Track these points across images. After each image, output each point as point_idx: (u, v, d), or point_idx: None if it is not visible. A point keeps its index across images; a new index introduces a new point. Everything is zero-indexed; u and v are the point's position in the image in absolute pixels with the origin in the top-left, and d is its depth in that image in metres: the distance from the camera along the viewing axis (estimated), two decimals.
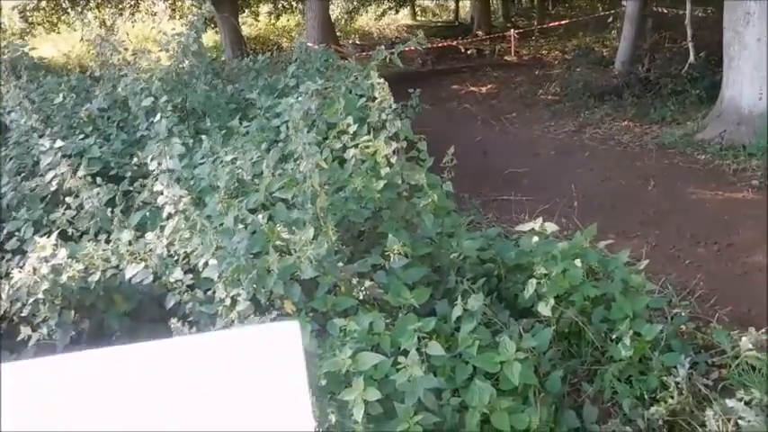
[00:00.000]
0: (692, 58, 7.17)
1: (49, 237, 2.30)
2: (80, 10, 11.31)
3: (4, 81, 3.82)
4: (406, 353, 2.06)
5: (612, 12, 11.36)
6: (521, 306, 2.60)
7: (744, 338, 2.37)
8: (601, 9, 14.12)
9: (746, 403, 2.09)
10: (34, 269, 2.14)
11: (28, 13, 11.93)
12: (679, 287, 3.26)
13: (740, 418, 2.04)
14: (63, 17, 12.46)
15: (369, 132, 2.88)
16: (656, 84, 7.47)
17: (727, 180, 4.92)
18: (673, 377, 2.24)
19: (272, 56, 6.26)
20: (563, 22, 13.29)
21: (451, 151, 2.85)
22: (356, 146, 2.87)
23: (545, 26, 13.52)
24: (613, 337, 2.40)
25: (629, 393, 2.28)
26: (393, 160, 2.78)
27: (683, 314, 2.77)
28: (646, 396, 2.27)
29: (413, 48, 3.45)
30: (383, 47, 3.26)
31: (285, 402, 0.92)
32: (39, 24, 12.51)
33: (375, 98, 2.80)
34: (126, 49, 4.28)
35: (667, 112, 6.75)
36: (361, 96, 3.26)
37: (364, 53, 9.01)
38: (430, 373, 2.08)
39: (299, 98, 3.17)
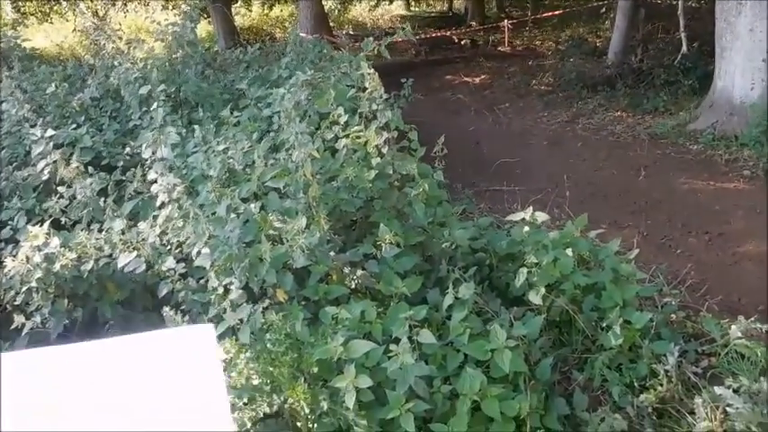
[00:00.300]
0: (684, 48, 7.17)
1: (41, 225, 2.30)
2: (72, 0, 11.17)
3: None
4: (397, 341, 2.08)
5: (606, 2, 11.33)
6: (512, 295, 2.63)
7: (733, 327, 2.40)
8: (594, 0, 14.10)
9: (735, 391, 2.12)
10: (27, 258, 2.14)
11: (20, 4, 11.76)
12: (670, 276, 3.29)
13: (728, 405, 2.08)
14: (55, 7, 12.30)
15: (360, 122, 2.88)
16: (648, 74, 7.47)
17: (719, 170, 4.96)
18: (662, 365, 2.27)
19: (263, 46, 6.22)
20: (556, 12, 13.24)
21: (442, 141, 2.85)
22: (347, 136, 2.87)
23: (539, 17, 13.46)
24: (604, 325, 2.43)
25: (619, 381, 2.31)
26: (384, 150, 2.78)
27: (673, 303, 2.80)
28: (635, 384, 2.30)
29: (405, 38, 3.43)
30: (372, 38, 3.24)
31: (203, 403, 0.92)
32: (31, 14, 12.34)
33: (365, 88, 2.79)
34: (120, 39, 4.24)
35: (660, 103, 6.77)
36: (352, 87, 3.25)
37: (357, 44, 8.96)
38: (421, 361, 2.10)
39: (291, 88, 3.16)
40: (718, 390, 2.12)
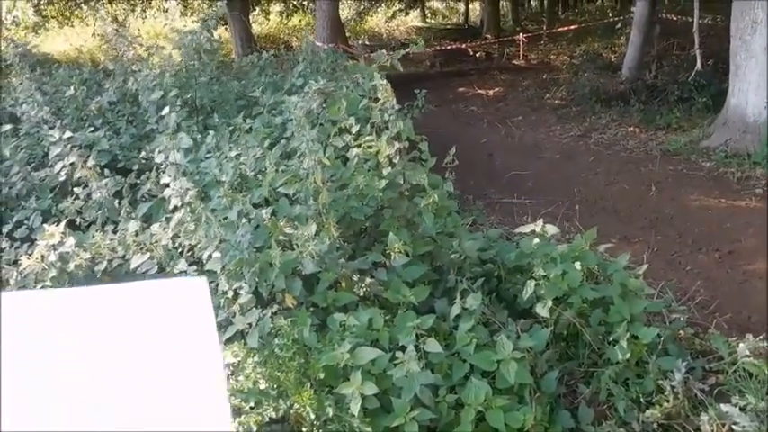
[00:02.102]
0: (699, 65, 7.15)
1: (57, 225, 2.35)
2: (93, 4, 11.42)
3: (17, 74, 3.89)
4: (404, 349, 2.09)
5: (621, 18, 11.33)
6: (519, 307, 2.63)
7: (741, 345, 2.38)
8: (610, 15, 14.12)
9: (742, 409, 2.10)
10: (42, 256, 2.19)
11: (42, 7, 12.04)
12: (679, 293, 3.27)
13: (735, 423, 2.06)
14: (76, 11, 12.57)
15: (372, 132, 2.91)
16: (662, 90, 7.45)
17: (730, 188, 4.92)
18: (669, 381, 2.25)
19: (278, 54, 6.30)
20: (572, 27, 13.27)
21: (452, 152, 2.87)
22: (359, 145, 2.91)
23: (554, 31, 13.51)
24: (611, 339, 2.42)
25: (625, 396, 2.30)
26: (395, 160, 2.81)
27: (681, 319, 2.79)
28: (641, 399, 2.28)
29: (419, 51, 3.47)
30: (384, 51, 3.29)
31: (196, 353, 0.91)
32: (53, 18, 12.62)
33: (378, 99, 2.83)
34: (141, 45, 4.34)
35: (673, 119, 6.74)
36: (364, 97, 3.29)
37: (372, 54, 9.03)
38: (427, 370, 2.11)
39: (304, 96, 3.21)
40: (724, 407, 2.10)
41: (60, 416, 0.83)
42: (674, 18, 9.45)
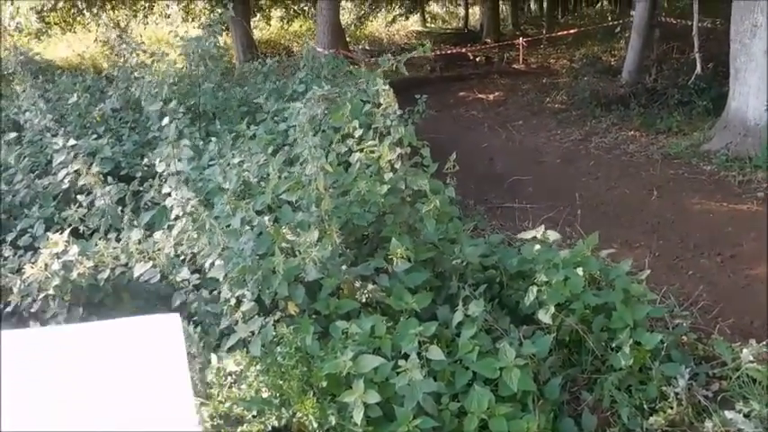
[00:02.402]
0: (699, 69, 7.16)
1: (61, 233, 2.36)
2: (96, 11, 11.46)
3: (20, 82, 3.91)
4: (406, 356, 2.09)
5: (620, 22, 11.37)
6: (522, 313, 2.63)
7: (745, 351, 2.38)
8: (609, 19, 14.15)
9: (746, 415, 2.10)
10: (46, 265, 2.19)
11: (45, 14, 12.09)
12: (681, 297, 3.27)
13: (739, 430, 2.05)
14: (78, 18, 12.62)
15: (374, 138, 2.92)
16: (662, 94, 7.46)
17: (732, 191, 4.92)
18: (672, 387, 2.25)
19: (281, 60, 6.33)
20: (571, 31, 13.31)
21: (453, 157, 2.88)
22: (361, 150, 2.92)
23: (553, 35, 13.55)
24: (613, 345, 2.41)
25: (629, 403, 2.29)
26: (397, 166, 2.81)
27: (684, 324, 2.78)
28: (645, 406, 2.28)
29: (422, 55, 3.49)
30: (389, 55, 3.30)
31: (167, 391, 0.94)
32: (55, 24, 12.67)
33: (380, 104, 2.84)
34: (144, 51, 4.36)
35: (673, 123, 6.75)
36: (367, 102, 3.30)
37: (373, 59, 9.06)
38: (430, 378, 2.11)
39: (307, 103, 3.22)
40: (728, 414, 2.10)
41: None
42: (674, 21, 9.47)
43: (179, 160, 2.68)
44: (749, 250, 3.88)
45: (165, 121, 2.99)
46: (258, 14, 14.99)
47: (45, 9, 11.85)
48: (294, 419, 1.97)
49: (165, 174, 2.70)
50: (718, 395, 2.34)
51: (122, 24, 12.51)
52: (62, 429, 0.87)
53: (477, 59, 12.92)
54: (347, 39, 13.07)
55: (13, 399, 0.88)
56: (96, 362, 0.95)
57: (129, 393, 0.94)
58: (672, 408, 2.20)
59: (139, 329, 1.02)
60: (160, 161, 2.69)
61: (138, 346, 0.98)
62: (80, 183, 2.89)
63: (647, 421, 2.21)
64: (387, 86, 2.92)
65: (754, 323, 3.07)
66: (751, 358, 2.33)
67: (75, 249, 2.24)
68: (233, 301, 2.27)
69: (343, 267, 2.42)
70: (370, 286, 2.42)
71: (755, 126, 5.44)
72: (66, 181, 2.96)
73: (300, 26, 16.55)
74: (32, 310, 2.28)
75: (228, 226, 2.44)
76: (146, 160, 3.14)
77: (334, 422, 1.94)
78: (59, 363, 0.94)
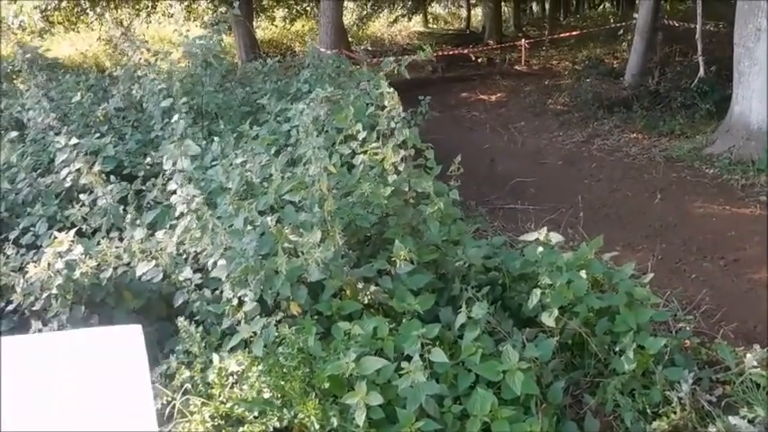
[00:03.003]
0: (702, 72, 7.15)
1: (67, 232, 2.35)
2: (99, 10, 11.47)
3: (25, 80, 3.91)
4: (409, 358, 2.08)
5: (623, 24, 11.36)
6: (525, 316, 2.62)
7: (748, 355, 2.37)
8: (612, 21, 14.15)
9: (750, 421, 2.09)
10: (49, 264, 2.19)
11: (49, 13, 12.11)
12: (684, 301, 3.26)
13: None
14: (82, 17, 12.63)
15: (378, 139, 2.91)
16: (665, 97, 7.45)
17: (735, 195, 4.91)
18: (676, 392, 2.24)
19: (283, 59, 6.32)
20: (574, 33, 13.31)
21: (458, 160, 2.87)
22: (365, 152, 2.91)
23: (556, 36, 13.54)
24: (617, 349, 2.40)
25: (632, 407, 2.28)
26: (401, 167, 2.81)
27: (687, 329, 2.77)
28: (648, 410, 2.27)
29: (422, 59, 3.48)
30: (393, 56, 3.29)
31: (128, 402, 0.95)
32: (59, 23, 12.69)
33: (384, 106, 2.83)
34: (148, 50, 4.35)
35: (676, 126, 6.74)
36: (371, 104, 3.29)
37: (375, 59, 9.07)
38: (432, 380, 2.10)
39: (310, 104, 3.21)
40: (732, 419, 2.09)
41: None
42: (677, 25, 9.47)
43: (184, 158, 2.67)
44: (752, 254, 3.87)
45: (175, 117, 2.99)
46: (261, 14, 15.00)
47: (49, 8, 11.86)
48: (296, 420, 1.96)
49: (169, 171, 2.69)
50: (721, 400, 2.33)
51: (125, 23, 12.52)
52: None
53: (479, 60, 12.93)
54: (349, 39, 13.06)
55: None
56: (58, 371, 0.96)
57: (91, 403, 0.94)
58: (675, 412, 2.19)
59: (101, 340, 1.02)
60: (167, 158, 2.68)
61: (99, 357, 0.98)
62: (82, 181, 2.89)
63: (650, 426, 2.20)
64: (391, 89, 2.91)
65: (757, 328, 3.06)
66: (755, 363, 2.32)
67: (79, 249, 2.24)
68: (235, 301, 2.26)
69: (346, 268, 2.42)
70: (373, 288, 2.42)
71: (759, 130, 5.43)
72: (68, 179, 2.96)
73: (303, 26, 16.56)
74: (34, 309, 2.28)
75: (231, 226, 2.43)
76: (148, 159, 3.13)
77: (335, 424, 1.94)
78: (19, 372, 0.93)
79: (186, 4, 13.21)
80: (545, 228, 2.93)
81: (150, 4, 13.18)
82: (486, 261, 2.85)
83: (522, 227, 4.36)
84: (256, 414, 1.98)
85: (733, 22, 5.70)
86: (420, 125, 4.30)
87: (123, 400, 0.95)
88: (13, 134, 3.45)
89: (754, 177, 5.12)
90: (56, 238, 2.30)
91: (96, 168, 2.93)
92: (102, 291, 2.35)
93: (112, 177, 3.01)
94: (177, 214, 2.46)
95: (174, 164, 2.68)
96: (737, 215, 4.53)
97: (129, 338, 0.99)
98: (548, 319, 2.42)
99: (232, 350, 2.19)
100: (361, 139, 2.96)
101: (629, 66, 8.59)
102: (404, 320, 2.37)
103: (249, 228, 2.42)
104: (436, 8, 22.26)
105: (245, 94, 4.86)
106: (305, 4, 15.25)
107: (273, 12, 15.49)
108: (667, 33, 9.04)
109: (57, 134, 3.21)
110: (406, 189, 2.81)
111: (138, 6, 13.08)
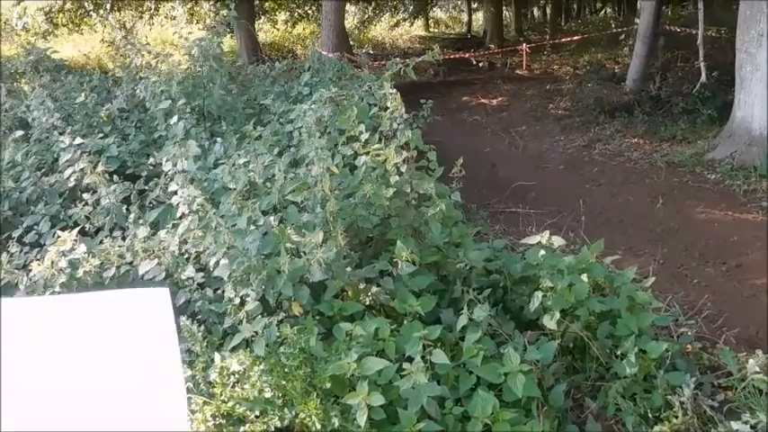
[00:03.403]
0: (703, 77, 7.17)
1: (70, 231, 2.36)
2: (102, 12, 11.52)
3: (30, 81, 3.93)
4: (410, 359, 2.08)
5: (625, 29, 11.40)
6: (526, 318, 2.62)
7: (750, 361, 2.36)
8: (613, 26, 14.19)
9: (752, 427, 2.08)
10: (52, 262, 2.19)
11: (52, 15, 12.16)
12: (686, 306, 3.25)
13: None
14: (85, 19, 12.68)
15: (380, 141, 2.92)
16: (667, 102, 7.47)
17: (737, 201, 4.91)
18: (677, 396, 2.23)
19: (289, 63, 6.35)
20: (575, 37, 13.33)
21: (460, 162, 2.88)
22: (367, 153, 2.92)
23: (557, 41, 13.58)
24: (618, 353, 2.40)
25: (633, 411, 2.28)
26: (403, 169, 2.81)
27: (689, 333, 2.77)
28: (650, 414, 2.26)
29: (428, 60, 3.49)
30: (398, 58, 3.30)
31: (156, 364, 0.93)
32: (63, 25, 12.74)
33: (387, 108, 2.84)
34: (149, 52, 4.37)
35: (678, 131, 6.75)
36: (374, 105, 3.30)
37: (377, 63, 9.09)
38: (433, 381, 2.10)
39: (313, 105, 3.22)
40: (734, 425, 2.08)
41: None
42: (679, 30, 9.49)
43: (186, 158, 2.68)
44: (754, 260, 3.86)
45: (174, 119, 3.00)
46: (263, 17, 15.05)
47: (53, 10, 11.91)
48: (297, 420, 1.96)
49: (171, 172, 2.70)
50: (723, 405, 2.32)
51: (128, 26, 12.56)
52: (49, 399, 0.86)
53: (481, 65, 12.94)
54: (351, 43, 13.09)
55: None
56: (85, 332, 0.94)
57: (119, 365, 0.92)
58: (677, 417, 2.18)
59: (129, 302, 1.00)
60: (167, 160, 2.69)
61: (127, 318, 0.96)
62: (86, 181, 2.90)
63: (651, 430, 2.19)
64: (394, 90, 2.92)
65: (759, 333, 3.06)
66: (757, 369, 2.31)
67: (83, 248, 2.24)
68: (237, 301, 2.27)
69: (348, 269, 2.42)
70: (375, 288, 2.42)
71: (760, 135, 5.44)
72: (72, 179, 2.97)
73: (304, 29, 16.62)
74: None
75: (234, 225, 2.43)
76: (151, 159, 3.14)
77: (337, 424, 1.94)
78: (46, 333, 0.92)
79: (188, 6, 13.25)
80: (547, 231, 2.93)
81: (153, 7, 13.23)
82: (487, 264, 2.85)
83: (524, 230, 4.36)
84: (258, 413, 1.98)
85: (734, 27, 5.72)
86: (422, 128, 4.31)
87: (151, 363, 0.93)
88: (18, 134, 3.47)
89: (756, 183, 5.12)
90: (59, 236, 2.30)
91: (100, 168, 2.94)
92: (104, 289, 2.35)
93: (116, 177, 3.02)
94: (179, 215, 2.47)
95: (175, 164, 2.68)
96: (739, 221, 4.53)
97: (157, 300, 0.98)
98: (549, 322, 2.42)
99: (234, 349, 2.19)
100: (363, 140, 2.96)
101: (631, 71, 8.60)
102: (405, 322, 2.37)
103: (252, 228, 2.42)
104: (438, 12, 22.33)
105: (249, 96, 4.87)
106: (306, 8, 15.30)
107: (275, 15, 15.54)
108: (669, 39, 9.06)
109: (61, 134, 3.23)
110: (408, 190, 2.81)
111: (140, 9, 13.13)
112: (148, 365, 0.94)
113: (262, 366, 2.06)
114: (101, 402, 0.90)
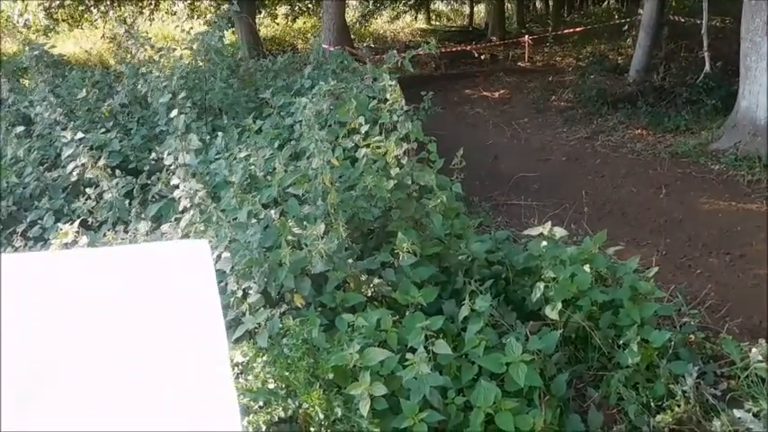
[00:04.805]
0: (707, 67, 7.11)
1: (71, 225, 2.37)
2: (103, 8, 11.51)
3: (32, 77, 3.94)
4: (412, 350, 2.09)
5: (628, 20, 11.31)
6: (528, 309, 2.62)
7: (753, 350, 2.36)
8: (616, 17, 14.08)
9: (755, 415, 2.08)
10: None
11: (53, 11, 12.15)
12: (689, 296, 3.24)
13: (748, 429, 2.04)
14: (86, 15, 12.67)
15: (380, 133, 2.92)
16: (670, 92, 7.41)
17: (741, 191, 4.88)
18: (680, 386, 2.23)
19: (290, 57, 6.34)
20: (578, 29, 13.24)
21: (460, 153, 2.87)
22: (368, 146, 2.91)
23: (559, 33, 13.48)
24: (620, 343, 2.40)
25: (635, 400, 2.28)
26: (404, 161, 2.81)
27: (692, 323, 2.76)
28: (652, 404, 2.27)
29: (427, 52, 3.49)
30: (395, 51, 3.29)
31: (198, 319, 0.88)
32: (63, 21, 12.73)
33: (386, 100, 2.84)
34: (152, 47, 4.38)
35: (681, 121, 6.71)
36: (374, 98, 3.30)
37: (378, 56, 9.06)
38: (436, 372, 2.11)
39: (313, 98, 3.22)
40: (737, 413, 2.08)
41: (54, 384, 0.80)
42: (682, 20, 9.41)
43: (187, 152, 2.68)
44: (758, 250, 3.85)
45: (174, 113, 3.00)
46: (263, 11, 15.00)
47: (53, 5, 11.90)
48: (300, 411, 1.97)
49: (173, 165, 2.70)
50: (726, 394, 2.33)
51: (129, 21, 12.54)
52: (86, 353, 0.82)
53: (483, 57, 12.88)
54: (352, 36, 13.04)
55: (23, 328, 0.83)
56: (119, 289, 0.89)
57: (158, 318, 0.88)
58: (679, 406, 2.19)
59: (168, 254, 0.96)
60: (168, 153, 2.70)
61: (167, 271, 0.92)
62: (88, 175, 2.91)
63: (654, 419, 2.20)
64: (393, 82, 2.91)
65: (762, 323, 3.05)
66: (760, 358, 2.31)
67: (84, 240, 2.25)
68: (240, 293, 2.27)
69: (350, 261, 2.43)
70: (377, 280, 2.42)
71: (765, 125, 5.40)
72: (74, 174, 2.98)
73: (304, 23, 16.56)
74: None
75: (235, 218, 2.44)
76: (153, 154, 3.15)
77: (340, 414, 1.95)
78: (82, 286, 0.88)
79: (189, 1, 13.22)
80: (549, 222, 2.93)
81: (153, 2, 13.21)
82: (489, 255, 2.85)
83: (526, 222, 4.35)
84: (261, 404, 1.99)
85: (739, 18, 5.67)
86: (423, 121, 4.30)
87: (192, 317, 0.88)
88: (21, 129, 3.48)
89: (760, 173, 5.09)
90: (61, 229, 2.31)
91: (102, 163, 2.94)
92: None
93: (118, 172, 3.03)
94: (181, 208, 2.47)
95: (176, 158, 2.69)
96: (743, 211, 4.51)
97: (197, 253, 0.93)
98: (551, 313, 2.42)
99: (237, 341, 2.20)
100: (363, 132, 2.96)
101: (634, 62, 8.54)
102: (407, 313, 2.37)
103: (253, 220, 2.43)
104: (439, 5, 22.20)
105: (250, 90, 4.87)
106: (307, 2, 15.24)
107: (276, 9, 15.49)
108: (672, 29, 8.99)
109: (63, 129, 3.23)
110: (409, 182, 2.81)
111: (141, 4, 13.11)
112: (189, 324, 0.88)
113: (265, 358, 2.08)
114: (135, 364, 0.84)
